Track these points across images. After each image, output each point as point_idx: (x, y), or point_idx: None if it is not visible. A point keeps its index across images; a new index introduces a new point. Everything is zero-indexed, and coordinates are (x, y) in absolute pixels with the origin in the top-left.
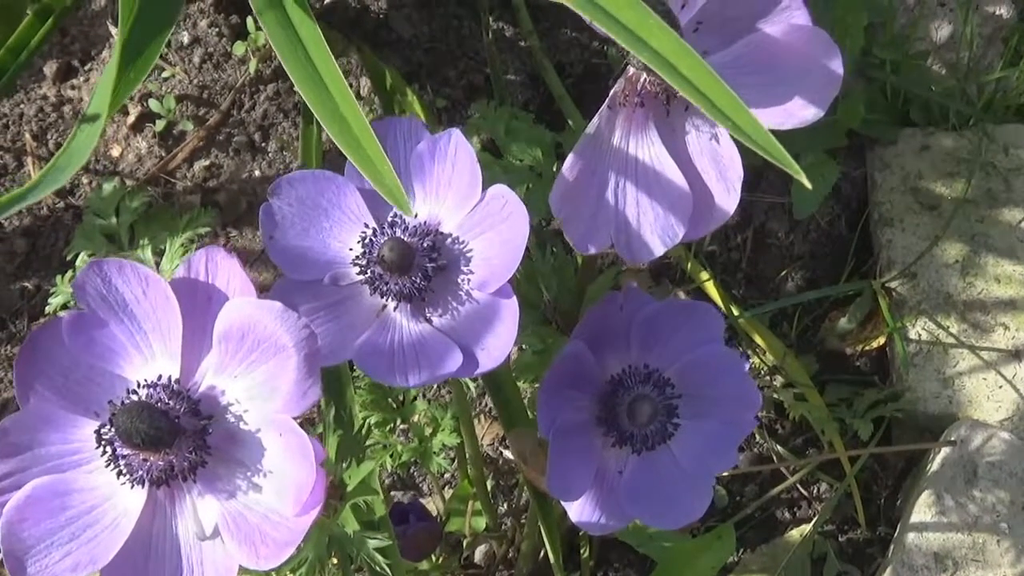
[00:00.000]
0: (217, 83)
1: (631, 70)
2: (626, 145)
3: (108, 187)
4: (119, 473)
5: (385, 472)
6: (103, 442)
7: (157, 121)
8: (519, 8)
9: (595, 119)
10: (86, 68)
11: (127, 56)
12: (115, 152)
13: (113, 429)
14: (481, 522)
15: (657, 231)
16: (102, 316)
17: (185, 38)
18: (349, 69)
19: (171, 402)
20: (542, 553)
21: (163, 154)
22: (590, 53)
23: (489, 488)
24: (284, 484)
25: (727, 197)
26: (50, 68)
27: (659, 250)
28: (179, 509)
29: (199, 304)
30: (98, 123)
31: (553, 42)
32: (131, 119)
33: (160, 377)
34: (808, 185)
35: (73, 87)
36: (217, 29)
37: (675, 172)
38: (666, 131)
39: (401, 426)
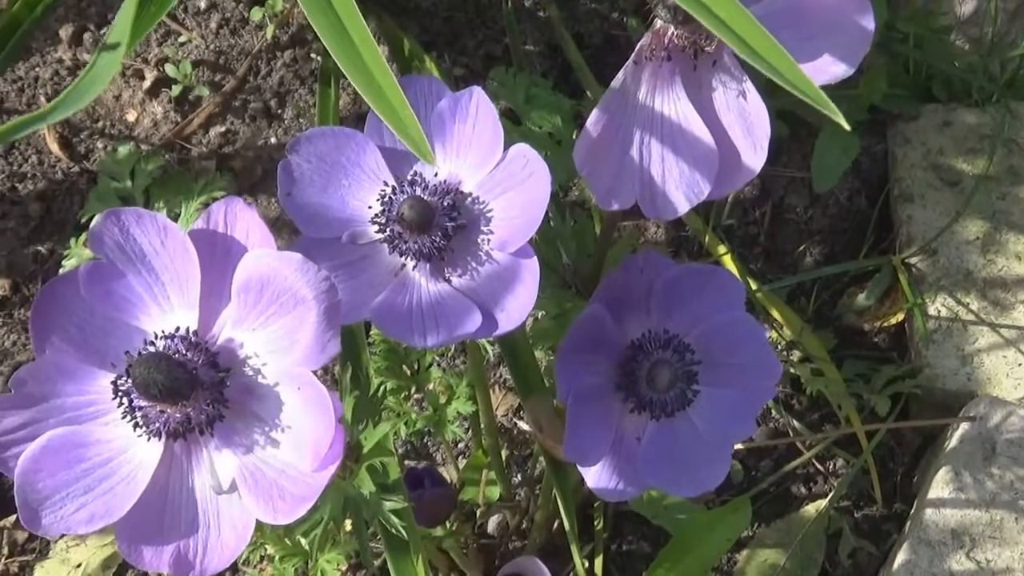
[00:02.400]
0: (234, 49)
1: (658, 23)
2: (652, 100)
3: (123, 150)
4: (135, 425)
5: (399, 441)
6: (120, 393)
7: (173, 86)
8: None
9: (620, 74)
10: (101, 32)
11: None
12: (130, 117)
13: (130, 380)
14: (495, 492)
15: (683, 188)
16: (120, 267)
17: (202, 3)
18: None
19: (189, 354)
20: (555, 524)
21: (179, 120)
22: (609, 24)
23: (503, 458)
24: (302, 439)
25: (753, 155)
26: (66, 32)
27: (684, 207)
28: (196, 463)
29: (218, 255)
30: (118, 51)
31: (572, 13)
32: (147, 84)
33: (178, 329)
34: (846, 126)
35: (88, 51)
36: None
37: (701, 128)
38: (692, 86)
39: (415, 395)
